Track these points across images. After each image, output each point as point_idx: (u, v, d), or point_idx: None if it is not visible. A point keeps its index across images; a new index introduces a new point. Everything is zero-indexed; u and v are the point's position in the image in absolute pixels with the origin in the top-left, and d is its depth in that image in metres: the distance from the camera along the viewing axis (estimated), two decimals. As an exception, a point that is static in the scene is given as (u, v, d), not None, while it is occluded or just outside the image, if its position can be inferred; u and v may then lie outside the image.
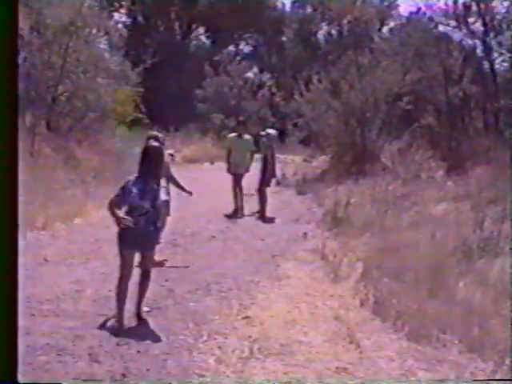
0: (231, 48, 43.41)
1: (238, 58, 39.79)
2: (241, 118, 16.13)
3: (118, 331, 6.05)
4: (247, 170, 13.84)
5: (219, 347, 5.76)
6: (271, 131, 14.30)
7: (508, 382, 4.87)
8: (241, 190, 13.64)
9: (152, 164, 6.53)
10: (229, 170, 13.77)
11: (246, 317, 6.65)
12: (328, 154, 21.50)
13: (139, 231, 6.30)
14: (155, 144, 7.02)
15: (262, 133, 14.22)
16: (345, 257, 9.16)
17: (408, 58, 19.30)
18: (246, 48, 45.74)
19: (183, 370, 5.17)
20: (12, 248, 2.96)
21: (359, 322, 6.65)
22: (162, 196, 6.71)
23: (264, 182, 13.49)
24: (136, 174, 6.51)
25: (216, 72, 36.17)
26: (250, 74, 39.35)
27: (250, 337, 6.04)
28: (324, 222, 12.11)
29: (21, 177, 11.92)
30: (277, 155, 14.54)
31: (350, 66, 19.86)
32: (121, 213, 6.32)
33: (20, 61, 17.44)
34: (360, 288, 7.77)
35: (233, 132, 14.76)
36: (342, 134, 19.65)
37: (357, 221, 11.10)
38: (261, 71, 39.95)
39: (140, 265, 6.63)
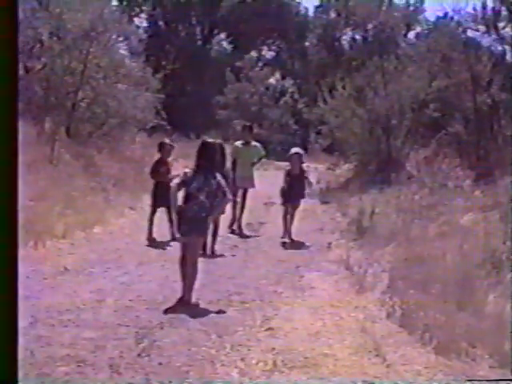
0: (253, 54, 43.31)
1: (260, 63, 39.86)
2: (246, 123, 14.24)
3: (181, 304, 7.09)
4: (253, 185, 12.56)
5: (242, 359, 5.63)
6: (299, 150, 12.31)
7: (508, 381, 4.71)
8: (243, 205, 12.36)
9: (208, 159, 7.42)
10: (234, 183, 11.38)
11: (270, 328, 6.51)
12: (352, 162, 21.36)
13: (192, 218, 7.27)
14: (212, 140, 8.09)
15: (291, 153, 12.07)
16: (370, 267, 9.01)
17: (435, 63, 19.03)
18: (268, 54, 45.70)
19: (205, 382, 5.04)
20: (11, 248, 2.85)
21: (385, 335, 6.49)
22: (221, 187, 7.38)
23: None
24: (194, 168, 7.40)
25: (237, 78, 36.19)
26: (272, 81, 39.32)
27: (273, 349, 5.90)
28: (348, 232, 11.96)
29: (40, 184, 11.97)
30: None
31: (375, 72, 19.68)
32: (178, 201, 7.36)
33: (40, 66, 17.50)
34: (386, 299, 7.61)
35: (239, 139, 12.96)
36: (367, 141, 19.49)
37: (382, 231, 10.93)
38: (283, 77, 39.83)
39: (189, 250, 7.44)
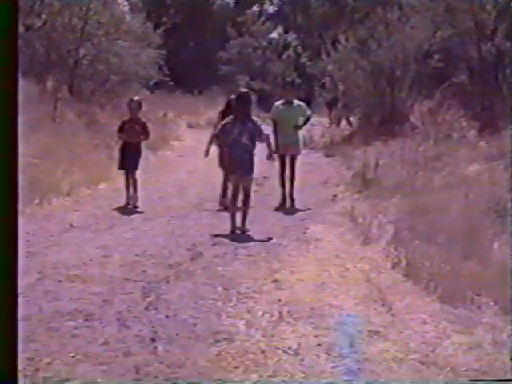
0: (255, 8, 42.79)
1: (263, 18, 39.38)
2: (288, 79, 13.54)
3: (232, 232, 8.52)
4: (298, 151, 11.04)
5: (248, 311, 5.66)
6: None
7: (508, 382, 4.73)
8: (293, 175, 10.84)
9: (245, 107, 8.73)
10: (277, 150, 10.27)
11: (275, 280, 6.54)
12: (356, 114, 21.24)
13: (238, 159, 8.67)
14: (245, 90, 9.45)
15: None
16: (375, 219, 9.02)
17: (438, 13, 18.72)
18: (270, 8, 45.12)
19: (212, 333, 5.08)
20: (10, 249, 2.84)
21: (391, 285, 6.52)
22: (258, 127, 8.75)
23: None
24: (232, 117, 8.74)
25: (240, 33, 35.84)
26: (274, 35, 38.94)
27: (279, 300, 5.93)
28: (353, 185, 11.94)
29: (44, 142, 11.99)
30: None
31: (378, 23, 19.42)
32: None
33: (40, 23, 17.36)
34: (391, 250, 7.63)
35: (280, 99, 11.26)
36: (371, 94, 19.32)
37: (387, 182, 10.92)
38: (286, 31, 39.43)
39: (239, 187, 8.79)
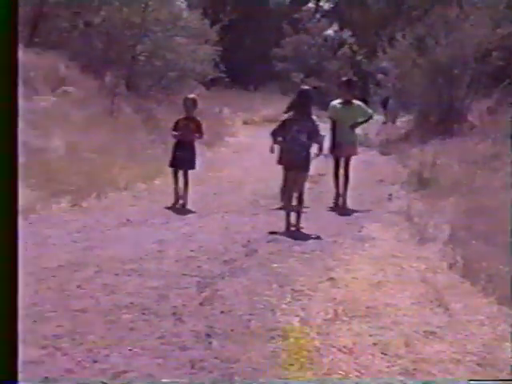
0: (311, 5, 42.68)
1: (318, 15, 39.24)
2: (346, 78, 11.81)
3: (287, 229, 8.51)
4: (355, 151, 10.90)
5: (303, 308, 5.64)
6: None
7: (508, 382, 4.63)
8: (347, 176, 10.67)
9: (306, 104, 8.66)
10: (332, 150, 10.54)
11: (330, 278, 6.51)
12: (413, 113, 21.02)
13: (295, 156, 8.62)
14: (307, 87, 9.37)
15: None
16: (431, 218, 8.91)
17: (499, 10, 18.40)
18: (326, 5, 44.93)
19: (267, 330, 5.08)
20: (10, 247, 2.86)
21: (447, 285, 6.43)
22: (316, 127, 8.69)
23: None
24: (293, 113, 8.71)
25: (295, 30, 35.77)
26: (330, 32, 38.76)
27: (334, 299, 5.90)
28: (409, 183, 11.83)
29: (102, 137, 12.20)
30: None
31: (437, 20, 19.15)
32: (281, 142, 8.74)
33: (99, 20, 17.62)
34: (447, 250, 7.53)
35: (337, 98, 11.08)
36: (428, 92, 19.08)
37: (444, 182, 10.79)
38: (341, 28, 39.22)
39: (295, 183, 8.80)
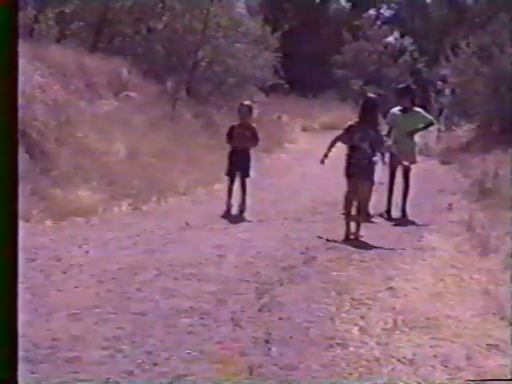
0: (371, 12, 42.43)
1: (379, 22, 38.98)
2: (401, 85, 11.57)
3: (346, 237, 8.44)
4: (414, 160, 10.53)
5: (362, 317, 5.59)
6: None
7: (508, 381, 4.48)
8: (407, 186, 10.43)
9: (371, 113, 8.54)
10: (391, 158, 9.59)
11: (390, 288, 6.43)
12: (475, 122, 20.69)
13: (355, 164, 8.50)
14: (373, 96, 9.32)
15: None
16: (493, 229, 8.73)
17: None
18: (387, 12, 44.61)
19: (326, 338, 5.05)
20: (10, 244, 2.87)
21: (510, 298, 6.29)
22: (380, 137, 8.72)
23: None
24: (357, 120, 8.61)
25: (355, 37, 35.61)
26: (390, 39, 38.43)
27: (394, 308, 5.83)
28: (470, 193, 11.63)
29: (162, 141, 12.32)
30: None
31: (502, 28, 18.83)
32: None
33: (161, 26, 17.85)
34: (510, 262, 7.37)
35: (396, 105, 10.76)
36: (491, 100, 18.77)
37: (506, 192, 10.56)
38: (402, 36, 38.83)
39: (355, 192, 8.66)
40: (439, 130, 22.21)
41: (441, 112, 22.98)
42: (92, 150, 11.17)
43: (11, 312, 2.84)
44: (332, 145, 8.71)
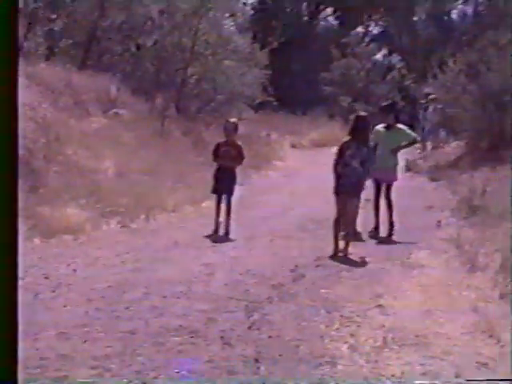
0: (360, 29, 42.64)
1: (367, 39, 39.19)
2: (385, 103, 11.84)
3: (334, 254, 8.43)
4: (395, 177, 10.50)
5: (352, 335, 5.60)
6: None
7: (508, 382, 4.51)
8: (389, 202, 10.36)
9: (361, 130, 8.66)
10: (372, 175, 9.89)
11: (379, 305, 6.44)
12: (463, 139, 20.77)
13: (344, 182, 8.59)
14: (365, 114, 9.29)
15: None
16: (482, 246, 8.75)
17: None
18: (375, 29, 44.84)
19: (316, 356, 5.05)
20: (10, 243, 2.86)
21: (499, 316, 6.30)
22: (370, 155, 8.89)
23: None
24: (349, 138, 8.67)
25: (343, 54, 35.77)
26: (378, 56, 38.65)
27: (383, 326, 5.84)
28: (459, 210, 11.64)
29: (151, 158, 12.30)
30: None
31: (488, 46, 18.95)
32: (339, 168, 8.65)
33: (151, 43, 17.92)
34: (499, 279, 7.38)
35: (380, 123, 10.66)
36: (479, 118, 18.85)
37: (494, 209, 10.59)
38: (390, 53, 39.10)
39: (344, 209, 8.71)
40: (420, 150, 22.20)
41: (423, 128, 23.01)
42: (81, 168, 11.16)
43: (11, 312, 2.84)
44: (336, 172, 8.71)
